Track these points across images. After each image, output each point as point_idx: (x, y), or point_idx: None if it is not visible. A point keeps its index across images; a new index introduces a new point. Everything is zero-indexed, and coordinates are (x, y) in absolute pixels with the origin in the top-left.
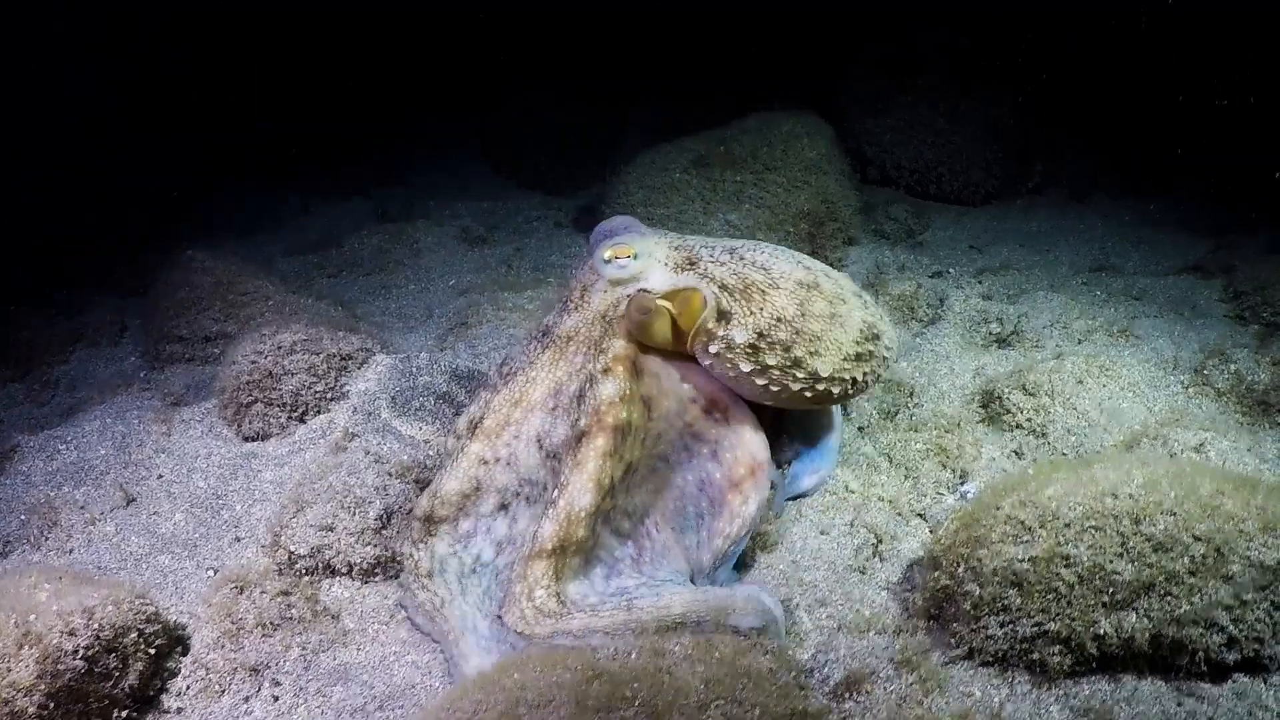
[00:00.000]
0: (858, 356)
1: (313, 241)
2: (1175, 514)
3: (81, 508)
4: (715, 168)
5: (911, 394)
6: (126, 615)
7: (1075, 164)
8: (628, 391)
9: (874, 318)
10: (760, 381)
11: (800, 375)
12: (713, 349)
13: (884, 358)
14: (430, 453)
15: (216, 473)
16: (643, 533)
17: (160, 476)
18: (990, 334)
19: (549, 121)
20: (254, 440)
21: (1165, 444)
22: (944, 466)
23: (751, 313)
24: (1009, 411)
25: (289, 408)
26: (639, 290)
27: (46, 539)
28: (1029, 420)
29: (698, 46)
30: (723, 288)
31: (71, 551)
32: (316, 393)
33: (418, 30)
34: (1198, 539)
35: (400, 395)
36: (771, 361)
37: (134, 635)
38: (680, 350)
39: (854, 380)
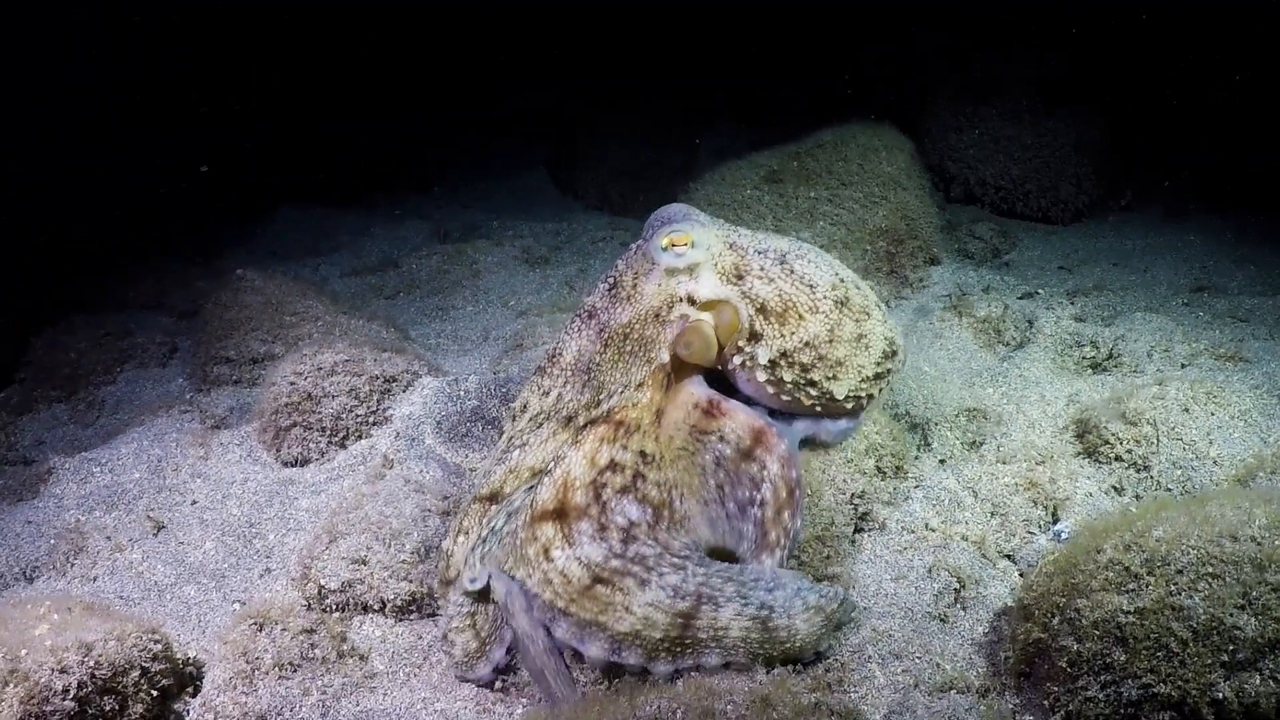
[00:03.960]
0: (876, 376)
1: (372, 263)
2: None
3: (108, 535)
4: (788, 183)
5: (999, 423)
6: (130, 652)
7: (1170, 180)
8: (651, 401)
9: (893, 333)
10: (771, 390)
11: (813, 393)
12: (736, 360)
13: (898, 370)
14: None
15: (251, 499)
16: (668, 501)
17: (194, 502)
18: (1084, 358)
19: (617, 142)
20: (292, 465)
21: None
22: (1035, 503)
23: (782, 335)
24: (1107, 442)
25: (329, 432)
26: (689, 307)
27: (72, 565)
28: (1130, 452)
29: (775, 67)
30: (761, 309)
31: (96, 579)
32: (358, 416)
33: (486, 52)
34: None
35: (446, 420)
36: (787, 379)
37: (136, 674)
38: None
39: (870, 396)
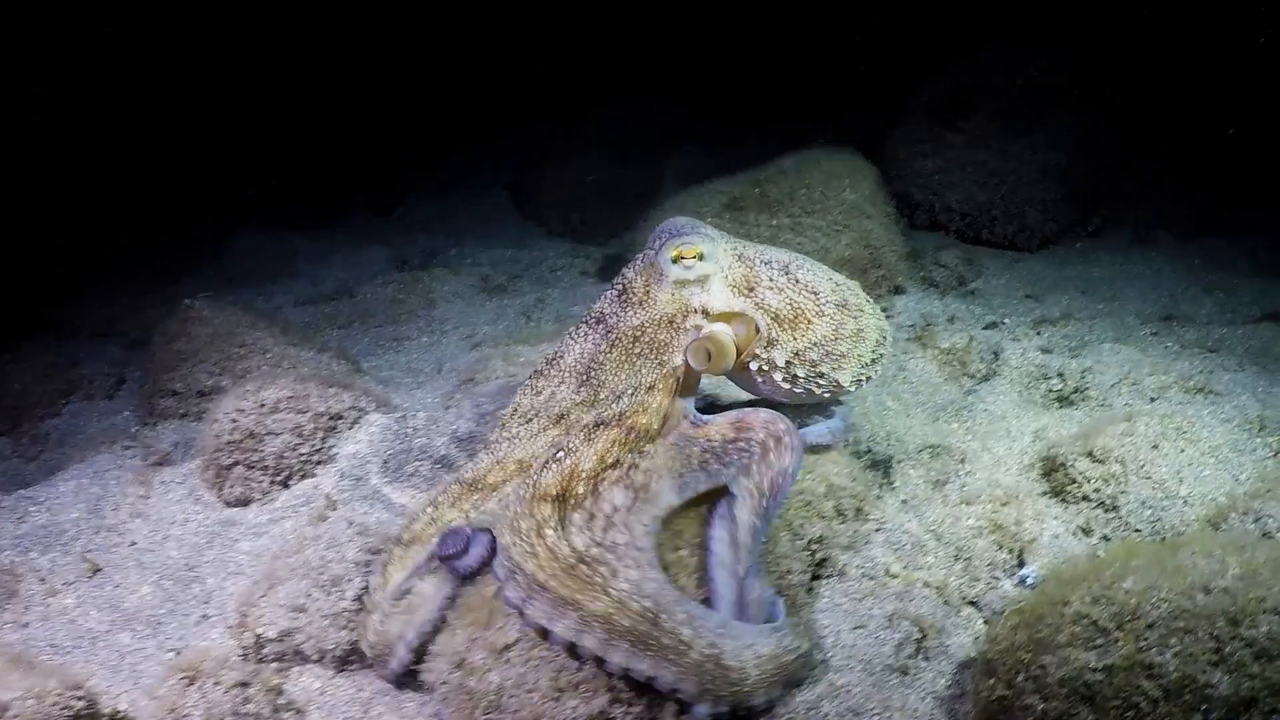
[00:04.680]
0: (872, 361)
1: (328, 290)
2: None
3: (43, 578)
4: (750, 211)
5: (963, 460)
6: (50, 711)
7: (1138, 204)
8: (660, 406)
9: (882, 321)
10: (785, 386)
11: (823, 383)
12: (752, 366)
13: (889, 353)
14: None
15: (191, 541)
16: (647, 484)
17: (133, 544)
18: (1051, 391)
19: (579, 167)
20: (235, 505)
21: (1257, 520)
22: (1000, 546)
23: (794, 339)
24: (1074, 481)
25: (271, 471)
26: (702, 319)
27: (4, 611)
28: (1097, 491)
29: (740, 90)
30: (776, 318)
31: (28, 625)
32: (301, 455)
33: (445, 72)
34: None
35: (393, 459)
36: (800, 374)
37: None
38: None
39: (867, 378)
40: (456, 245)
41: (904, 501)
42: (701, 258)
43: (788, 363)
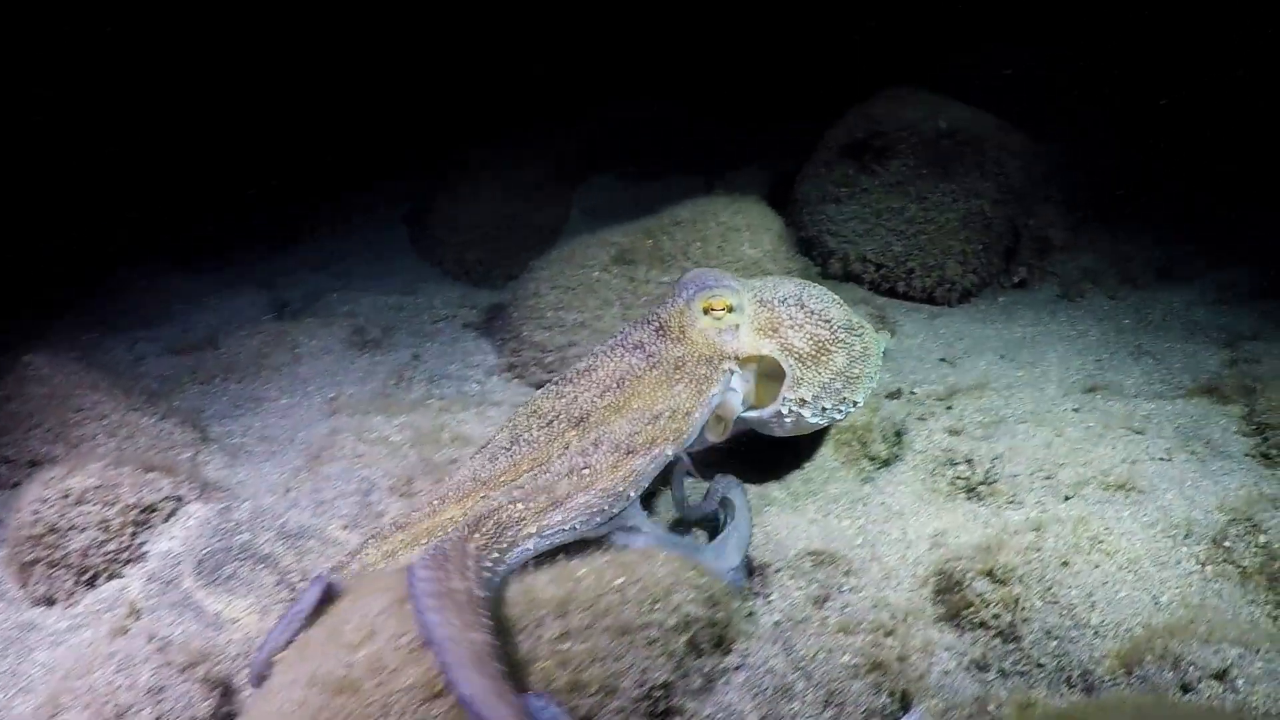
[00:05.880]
0: (875, 373)
1: (196, 339)
2: None
3: None
4: (640, 265)
5: (849, 572)
6: None
7: (1065, 255)
8: (687, 437)
9: (875, 334)
10: (812, 421)
11: (844, 409)
12: (783, 410)
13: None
14: (236, 636)
15: None
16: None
17: None
18: (958, 479)
19: (479, 199)
20: (40, 605)
21: (1177, 666)
22: (879, 689)
23: (818, 374)
24: (971, 605)
25: (75, 570)
26: (734, 363)
27: None
28: (997, 618)
29: (659, 126)
30: (800, 359)
31: None
32: (108, 553)
33: (357, 96)
34: None
35: (210, 559)
36: (828, 405)
37: None
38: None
39: (870, 390)
40: (343, 287)
41: (776, 624)
42: (731, 310)
43: (815, 397)
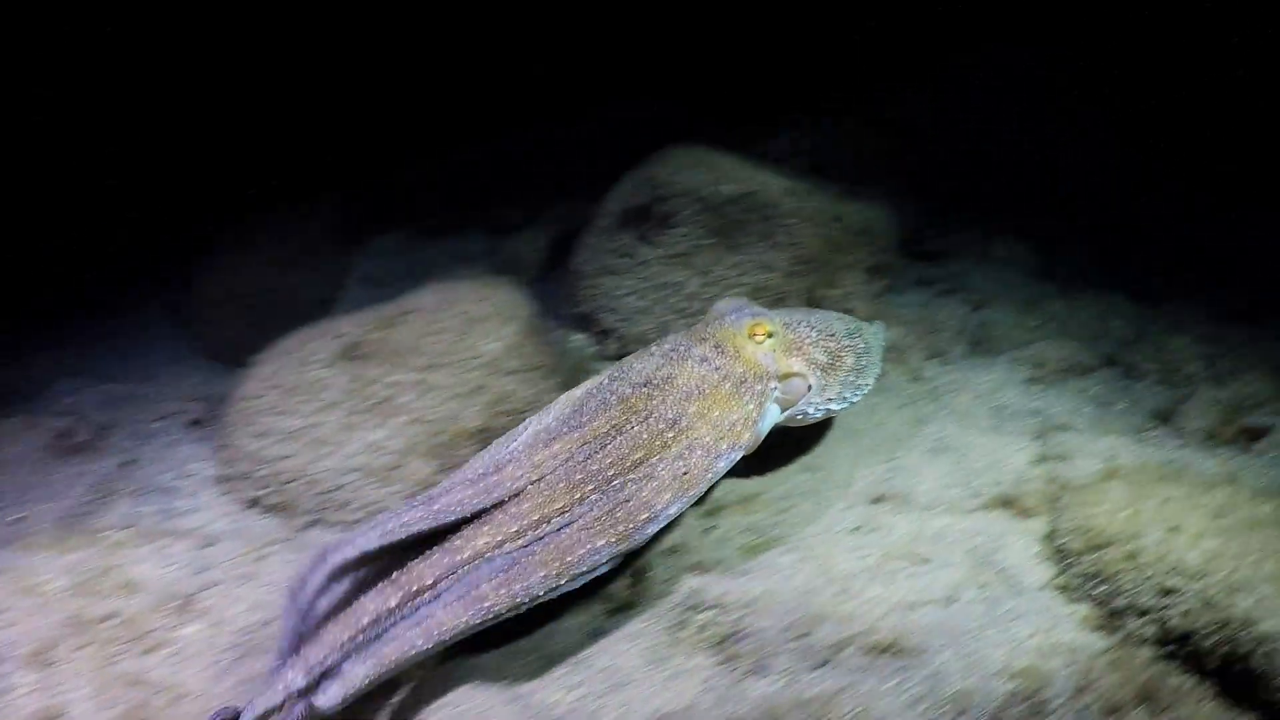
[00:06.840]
0: (880, 358)
1: None
2: None
3: None
4: (370, 361)
5: None
6: None
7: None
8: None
9: (875, 328)
10: (837, 409)
11: (859, 396)
12: (809, 410)
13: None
14: None
15: None
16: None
17: None
18: (702, 632)
19: (240, 264)
20: None
21: None
22: None
23: (836, 376)
24: None
25: None
26: (775, 381)
27: None
28: None
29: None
30: (822, 368)
31: None
32: None
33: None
34: None
35: None
36: (848, 395)
37: None
38: None
39: (879, 370)
40: (76, 373)
41: None
42: (770, 335)
43: (839, 393)
